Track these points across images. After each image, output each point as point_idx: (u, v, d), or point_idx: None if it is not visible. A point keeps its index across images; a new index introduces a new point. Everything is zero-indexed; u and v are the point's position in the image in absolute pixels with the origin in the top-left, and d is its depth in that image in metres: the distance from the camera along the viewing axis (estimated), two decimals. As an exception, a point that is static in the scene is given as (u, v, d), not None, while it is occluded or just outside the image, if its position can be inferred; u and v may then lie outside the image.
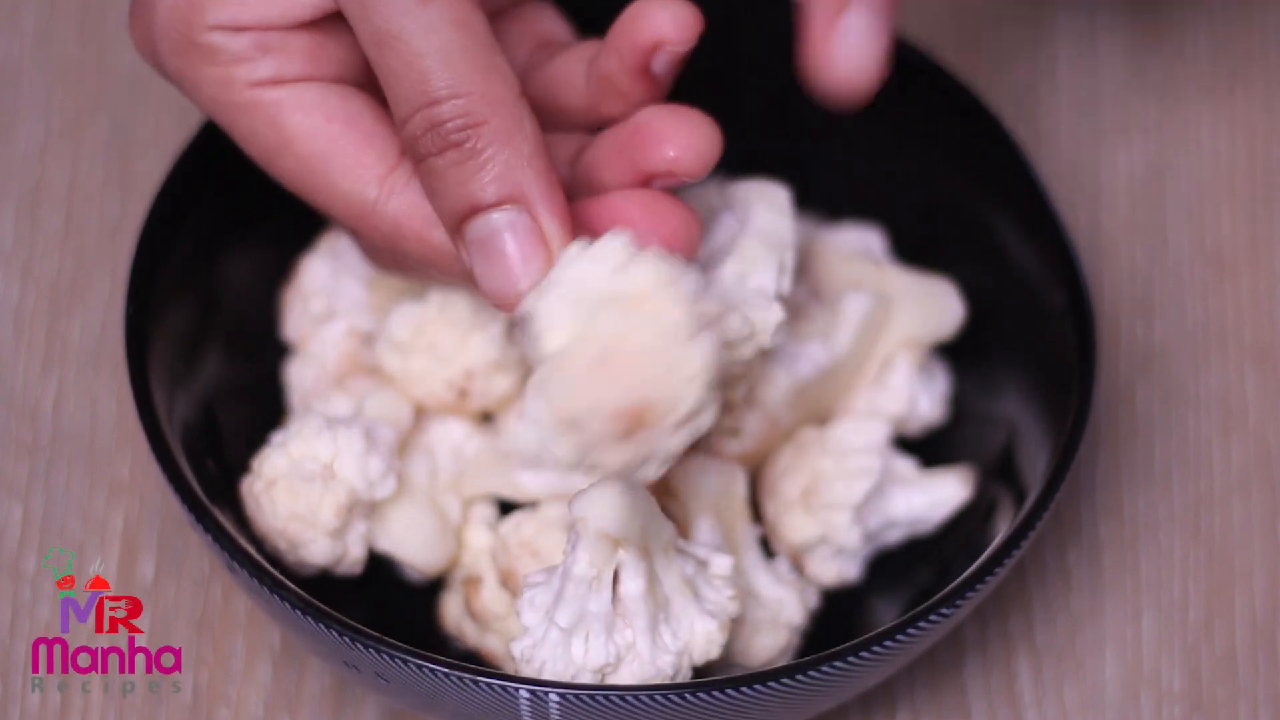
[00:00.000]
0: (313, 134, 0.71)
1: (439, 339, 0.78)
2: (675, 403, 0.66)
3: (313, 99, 0.71)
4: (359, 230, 0.72)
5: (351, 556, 0.77)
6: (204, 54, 0.71)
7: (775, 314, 0.75)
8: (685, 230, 0.72)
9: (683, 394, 0.66)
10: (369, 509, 0.77)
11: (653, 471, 0.67)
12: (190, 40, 0.71)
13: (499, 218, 0.68)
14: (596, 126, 0.75)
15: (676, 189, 0.73)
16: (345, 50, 0.72)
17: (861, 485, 0.79)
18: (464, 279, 0.71)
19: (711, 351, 0.66)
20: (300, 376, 0.82)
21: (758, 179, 0.79)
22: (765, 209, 0.77)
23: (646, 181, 0.73)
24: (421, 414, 0.80)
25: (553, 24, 0.77)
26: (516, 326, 0.77)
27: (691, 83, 0.84)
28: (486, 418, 0.80)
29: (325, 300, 0.82)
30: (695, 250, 0.73)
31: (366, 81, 0.73)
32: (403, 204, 0.71)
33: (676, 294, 0.66)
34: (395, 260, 0.74)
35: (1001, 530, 0.75)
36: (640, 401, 0.65)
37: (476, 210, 0.68)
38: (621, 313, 0.66)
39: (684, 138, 0.72)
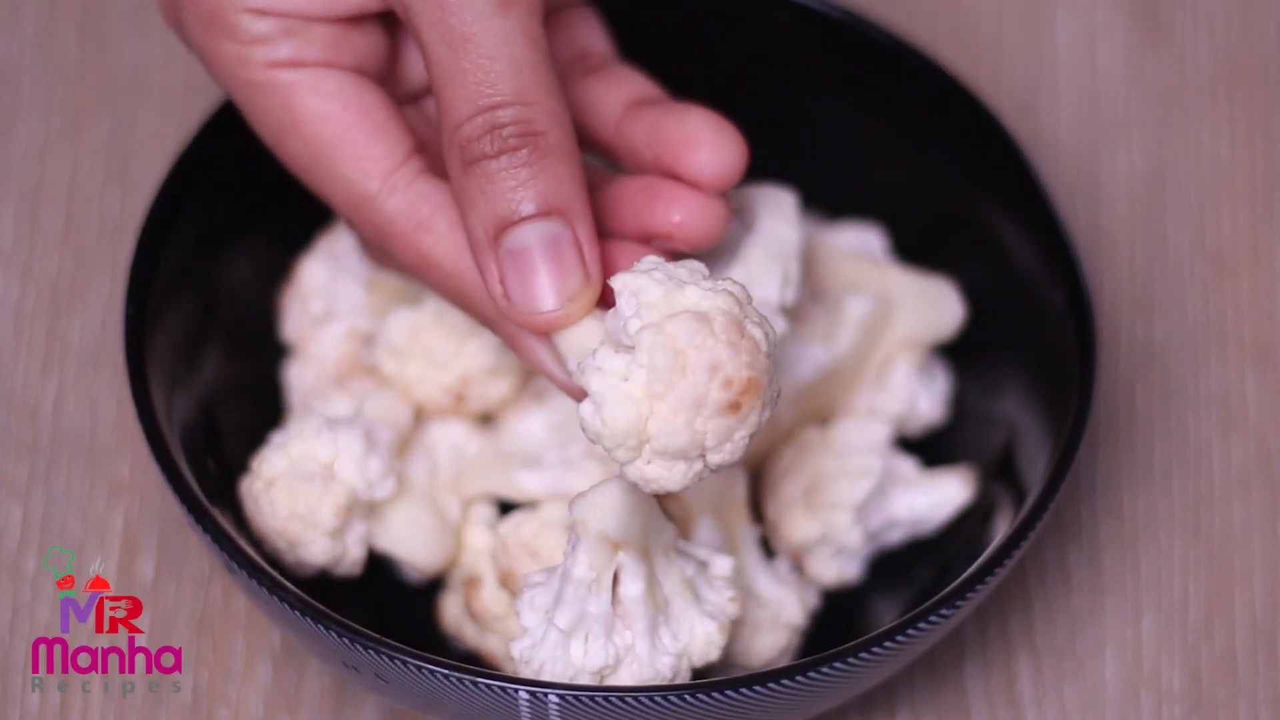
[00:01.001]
0: (324, 118, 0.71)
1: (434, 345, 0.78)
2: (769, 400, 0.66)
3: (330, 85, 0.71)
4: (354, 222, 0.72)
5: (351, 557, 0.77)
6: (227, 30, 0.71)
7: (776, 325, 0.75)
8: None
9: (773, 394, 0.66)
10: (368, 509, 0.77)
11: (702, 468, 0.67)
12: (217, 16, 0.71)
13: (543, 227, 0.68)
14: (610, 160, 0.76)
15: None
16: (368, 44, 0.72)
17: (863, 485, 0.79)
18: (440, 291, 0.71)
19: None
20: (300, 377, 0.82)
21: (764, 183, 0.79)
22: (772, 216, 0.77)
23: (647, 239, 0.73)
24: (421, 414, 0.80)
25: (593, 36, 0.77)
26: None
27: (692, 83, 0.84)
28: (486, 418, 0.80)
29: (324, 301, 0.82)
30: None
31: (383, 78, 0.73)
32: (401, 203, 0.71)
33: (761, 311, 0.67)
34: (388, 257, 0.74)
35: (1002, 530, 0.75)
36: (753, 379, 0.65)
37: (520, 219, 0.68)
38: (738, 304, 0.66)
39: (695, 206, 0.73)
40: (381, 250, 0.73)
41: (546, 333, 0.69)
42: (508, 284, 0.68)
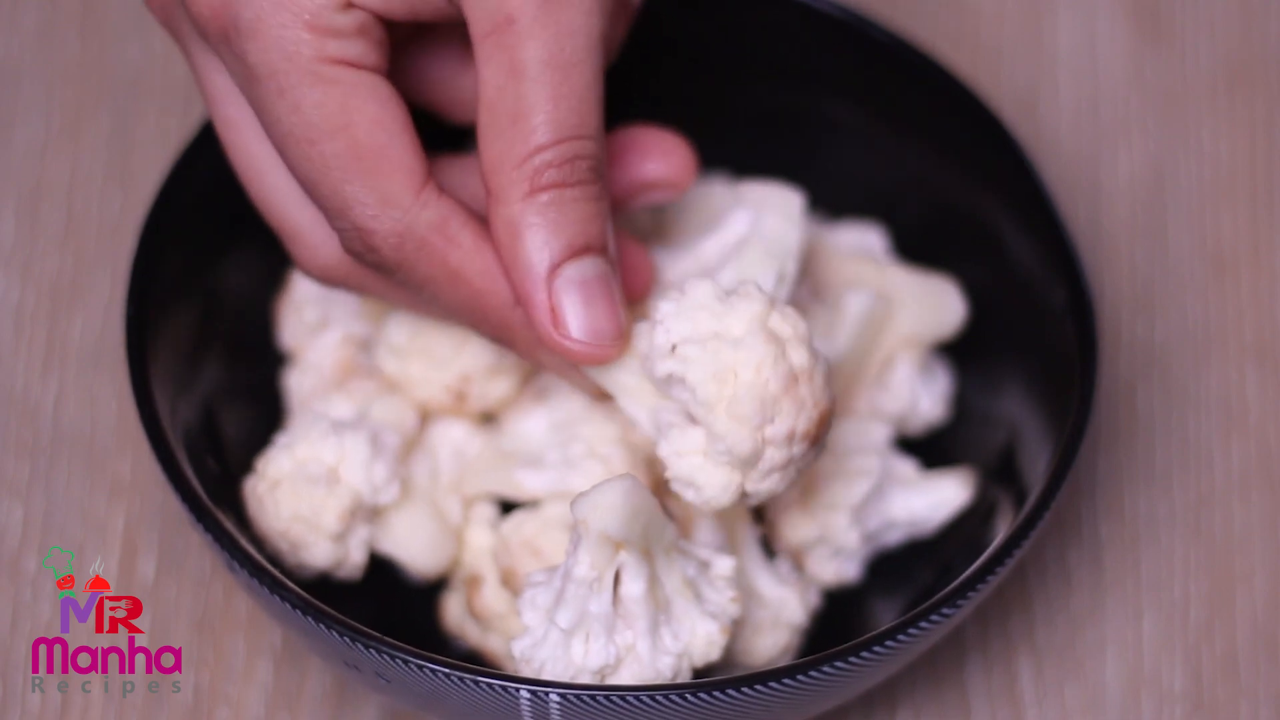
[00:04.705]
0: (378, 124, 0.70)
1: (434, 344, 0.78)
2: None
3: (384, 92, 0.70)
4: (372, 233, 0.71)
5: (352, 561, 0.77)
6: (304, 14, 0.69)
7: None
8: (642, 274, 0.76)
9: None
10: (371, 514, 0.77)
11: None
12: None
13: (602, 263, 0.69)
14: None
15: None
16: (405, 57, 0.73)
17: (860, 486, 0.79)
18: (456, 306, 0.71)
19: None
20: (299, 385, 0.82)
21: (773, 181, 0.79)
22: (775, 214, 0.77)
23: (633, 193, 0.74)
24: (424, 415, 0.80)
25: None
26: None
27: (694, 83, 0.84)
28: (488, 417, 0.80)
29: (319, 308, 0.82)
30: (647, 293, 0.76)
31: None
32: (434, 216, 0.70)
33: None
34: (360, 276, 0.74)
35: (1002, 530, 0.75)
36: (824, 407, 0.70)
37: (589, 250, 0.69)
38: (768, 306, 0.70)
39: (667, 156, 0.75)
40: (393, 265, 0.72)
41: (590, 364, 0.71)
42: (564, 313, 0.69)
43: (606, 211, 0.70)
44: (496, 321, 0.71)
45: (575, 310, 0.69)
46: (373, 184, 0.70)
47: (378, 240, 0.71)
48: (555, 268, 0.69)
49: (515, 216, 0.69)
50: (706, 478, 0.69)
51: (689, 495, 0.70)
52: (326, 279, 0.75)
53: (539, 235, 0.69)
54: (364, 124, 0.70)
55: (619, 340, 0.70)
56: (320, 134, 0.70)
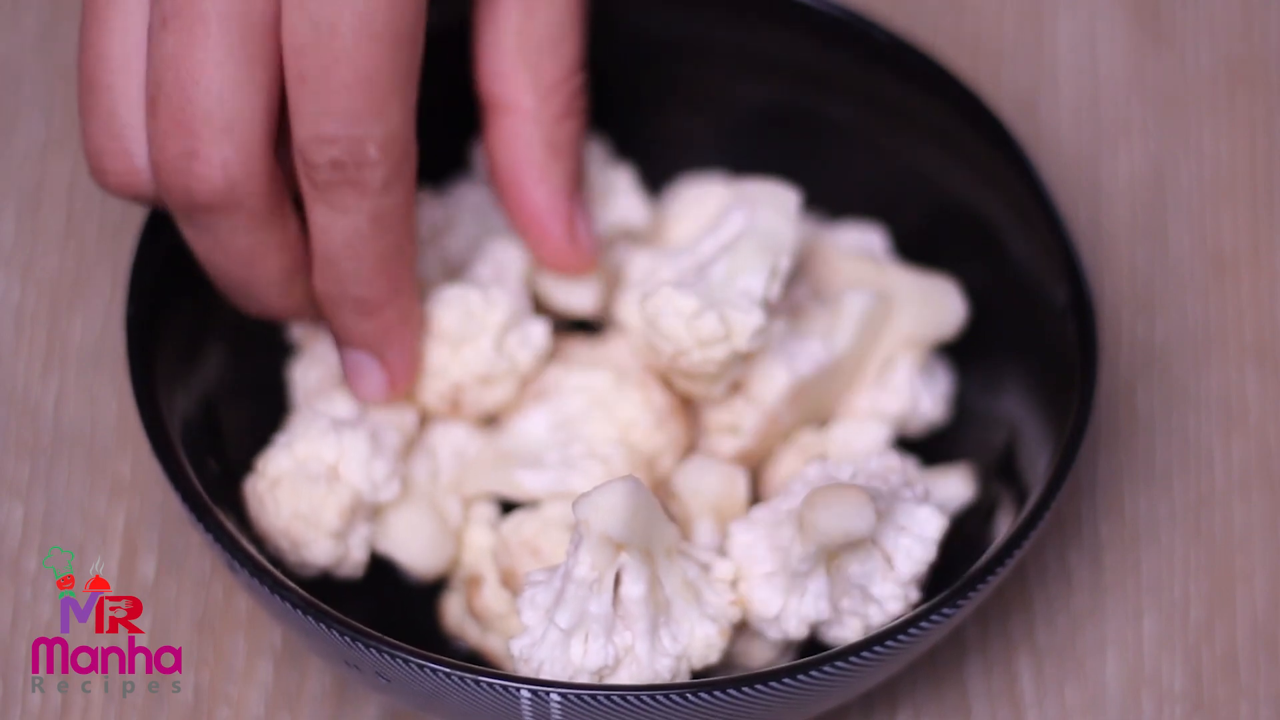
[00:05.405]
0: None
1: (427, 352, 0.78)
2: None
3: None
4: (381, 138, 0.71)
5: (353, 559, 0.77)
6: None
7: (754, 318, 0.75)
8: None
9: None
10: (372, 512, 0.77)
11: None
12: None
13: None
14: None
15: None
16: None
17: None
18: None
19: None
20: (304, 376, 0.82)
21: (770, 179, 0.79)
22: (770, 211, 0.77)
23: None
24: (423, 415, 0.80)
25: None
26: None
27: (695, 83, 0.84)
28: (489, 418, 0.80)
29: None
30: None
31: None
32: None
33: None
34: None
35: (1002, 530, 0.75)
36: None
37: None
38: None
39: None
40: (369, 185, 0.71)
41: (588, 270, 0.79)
42: (580, 228, 0.77)
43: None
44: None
45: (587, 226, 0.77)
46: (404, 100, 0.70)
47: (376, 149, 0.70)
48: (576, 189, 0.76)
49: (552, 136, 0.74)
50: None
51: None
52: (141, 183, 0.72)
53: (570, 158, 0.75)
54: None
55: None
56: None
